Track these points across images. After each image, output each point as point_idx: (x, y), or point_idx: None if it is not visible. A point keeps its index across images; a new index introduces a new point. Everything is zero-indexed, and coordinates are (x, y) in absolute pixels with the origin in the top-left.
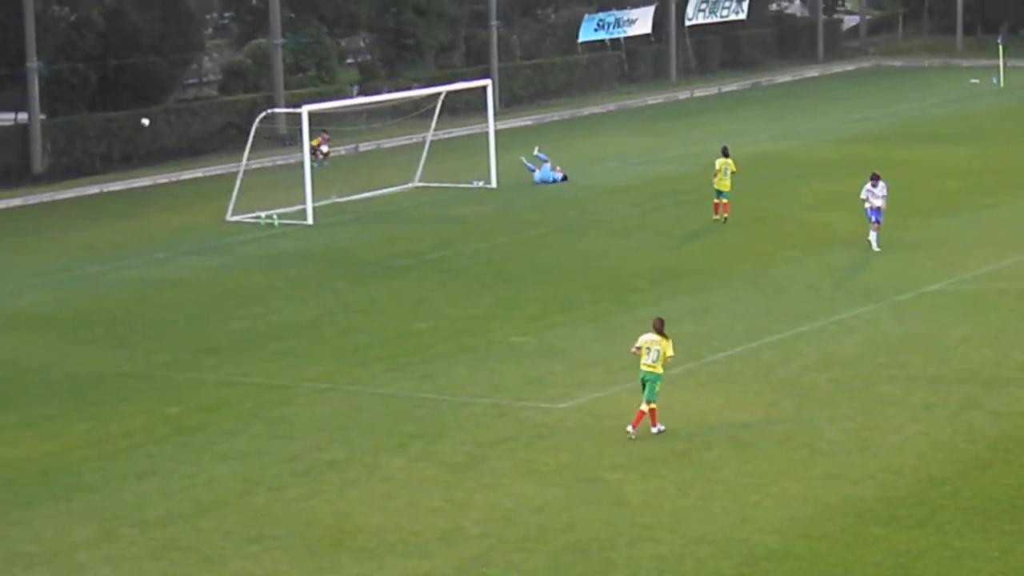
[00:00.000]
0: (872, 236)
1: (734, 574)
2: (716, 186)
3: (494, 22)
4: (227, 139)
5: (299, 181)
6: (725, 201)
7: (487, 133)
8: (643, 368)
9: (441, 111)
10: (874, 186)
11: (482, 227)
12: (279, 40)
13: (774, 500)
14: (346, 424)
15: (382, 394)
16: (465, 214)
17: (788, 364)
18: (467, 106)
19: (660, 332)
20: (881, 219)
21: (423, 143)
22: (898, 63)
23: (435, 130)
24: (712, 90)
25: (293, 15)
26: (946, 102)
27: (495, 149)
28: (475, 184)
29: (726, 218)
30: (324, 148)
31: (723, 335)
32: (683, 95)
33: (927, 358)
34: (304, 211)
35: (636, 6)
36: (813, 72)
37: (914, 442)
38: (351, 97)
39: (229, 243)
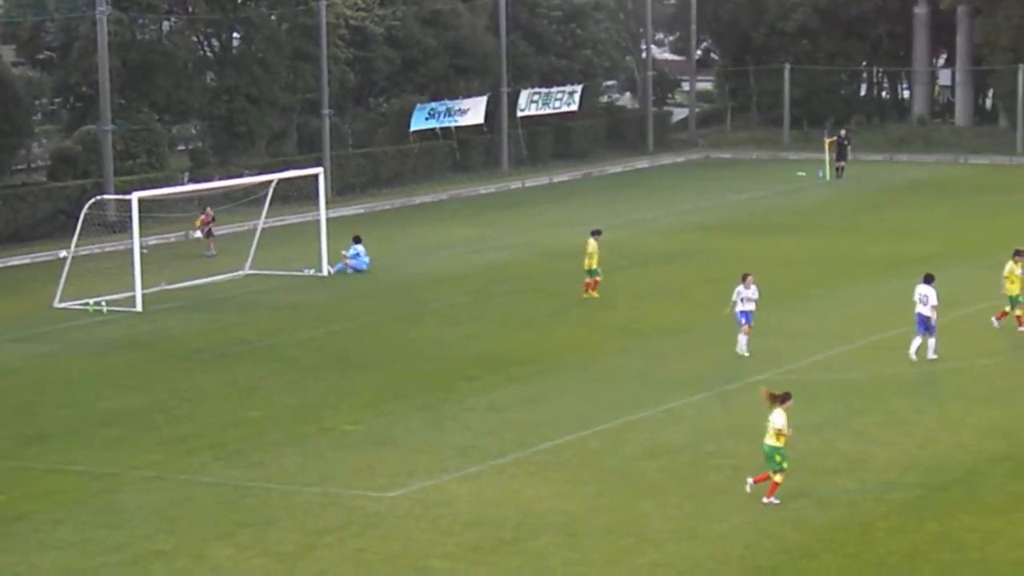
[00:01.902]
0: (742, 340)
1: None
2: (587, 266)
3: (326, 111)
4: (56, 225)
5: (128, 268)
6: (597, 279)
7: (319, 221)
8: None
9: (273, 199)
10: (746, 287)
11: (314, 315)
12: (109, 126)
13: None
14: (174, 513)
15: (211, 483)
16: (296, 301)
17: (616, 453)
18: (299, 194)
19: (774, 403)
20: (752, 322)
21: (254, 230)
22: (727, 155)
23: (267, 218)
24: (543, 180)
25: (124, 101)
26: (773, 194)
27: (326, 237)
28: (306, 272)
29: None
30: (204, 230)
31: (552, 424)
32: (515, 185)
33: (754, 447)
34: (133, 298)
35: (469, 95)
36: (643, 163)
37: (741, 531)
38: (182, 184)
39: (57, 330)
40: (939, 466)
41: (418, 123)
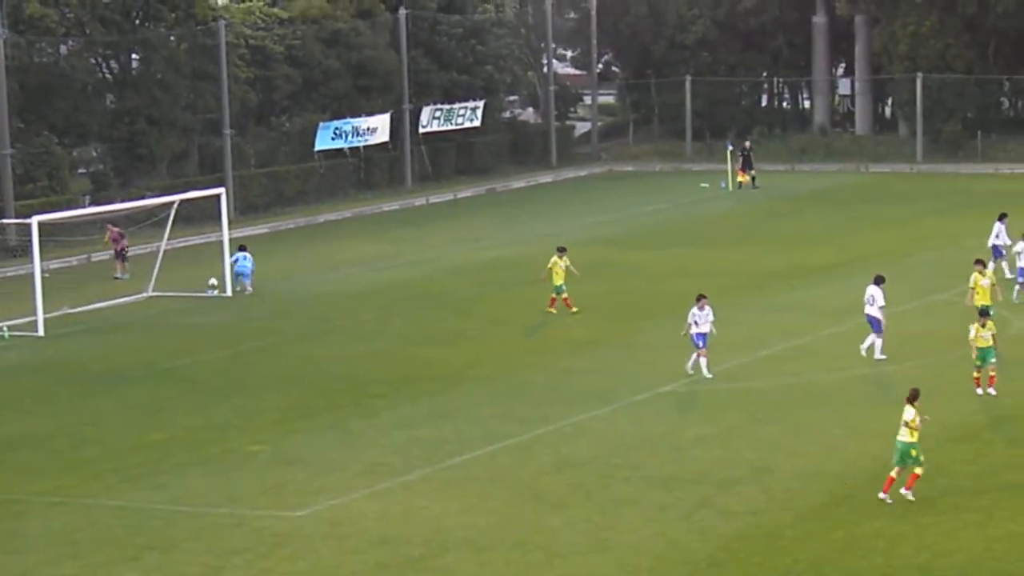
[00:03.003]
0: (702, 363)
1: None
2: (554, 282)
3: (227, 131)
4: None
5: (30, 292)
6: (565, 296)
7: (221, 241)
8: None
9: (176, 220)
10: (700, 309)
11: (218, 336)
12: (8, 150)
13: None
14: (78, 538)
15: (115, 506)
16: (200, 323)
17: (524, 467)
18: (201, 214)
19: (910, 402)
20: (707, 344)
21: (156, 252)
22: (630, 168)
23: (169, 239)
24: (447, 196)
25: (22, 125)
26: (677, 206)
27: (229, 257)
28: (210, 287)
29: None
30: (116, 248)
31: (460, 439)
32: (419, 201)
33: (661, 458)
34: (35, 322)
35: (371, 114)
36: (547, 178)
37: (650, 542)
38: (83, 207)
39: None
40: (845, 473)
41: (323, 142)
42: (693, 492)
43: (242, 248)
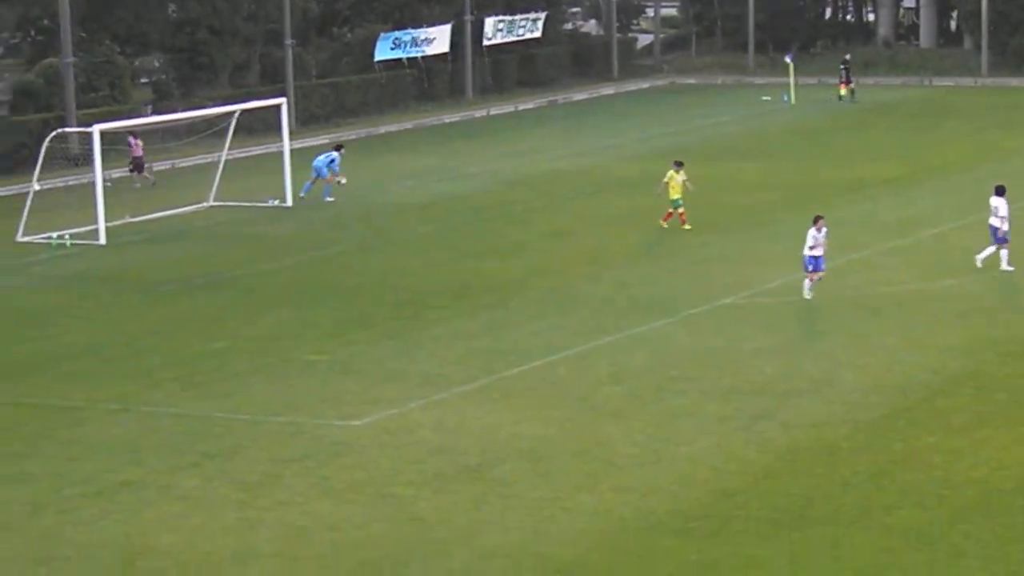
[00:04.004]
0: (806, 284)
1: None
2: (670, 196)
3: (289, 41)
4: (18, 159)
5: (91, 201)
6: (681, 211)
7: (282, 152)
8: None
9: (236, 130)
10: (819, 231)
11: (278, 246)
12: (70, 59)
13: (567, 513)
14: (140, 445)
15: (176, 414)
16: (261, 233)
17: (582, 378)
18: (262, 125)
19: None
20: (819, 268)
21: (218, 162)
22: (692, 80)
23: (230, 149)
24: (508, 108)
25: (85, 34)
26: (738, 119)
27: (290, 168)
28: (270, 203)
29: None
30: (137, 152)
31: (518, 350)
32: (479, 113)
33: (720, 371)
34: (97, 231)
35: (432, 24)
36: (608, 90)
37: (707, 453)
38: (145, 116)
39: (20, 264)
40: (904, 386)
41: (383, 53)
42: (751, 404)
43: (338, 148)
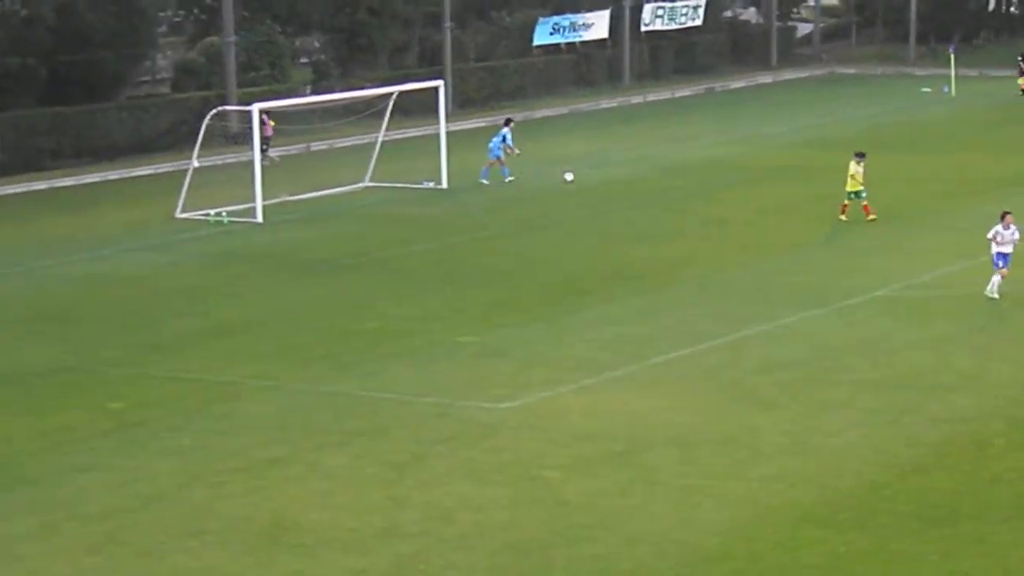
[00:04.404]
0: (995, 280)
1: (672, 575)
2: (849, 188)
3: (448, 24)
4: (178, 137)
5: (249, 179)
6: (864, 203)
7: (439, 134)
8: None
9: (393, 111)
10: (1006, 228)
11: (431, 228)
12: (232, 38)
13: (714, 501)
14: (289, 422)
15: (325, 392)
16: (414, 214)
17: (732, 367)
18: (420, 107)
19: None
20: (1009, 265)
21: (374, 143)
22: (851, 71)
23: (387, 130)
24: (665, 95)
25: (247, 13)
26: (898, 110)
27: (446, 150)
28: (425, 185)
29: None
30: (268, 133)
31: (668, 337)
32: (636, 99)
33: (871, 363)
34: (253, 209)
35: (591, 9)
36: (766, 78)
37: (855, 446)
38: (304, 96)
39: (178, 240)
40: None
41: (542, 38)
42: (902, 397)
43: (508, 122)
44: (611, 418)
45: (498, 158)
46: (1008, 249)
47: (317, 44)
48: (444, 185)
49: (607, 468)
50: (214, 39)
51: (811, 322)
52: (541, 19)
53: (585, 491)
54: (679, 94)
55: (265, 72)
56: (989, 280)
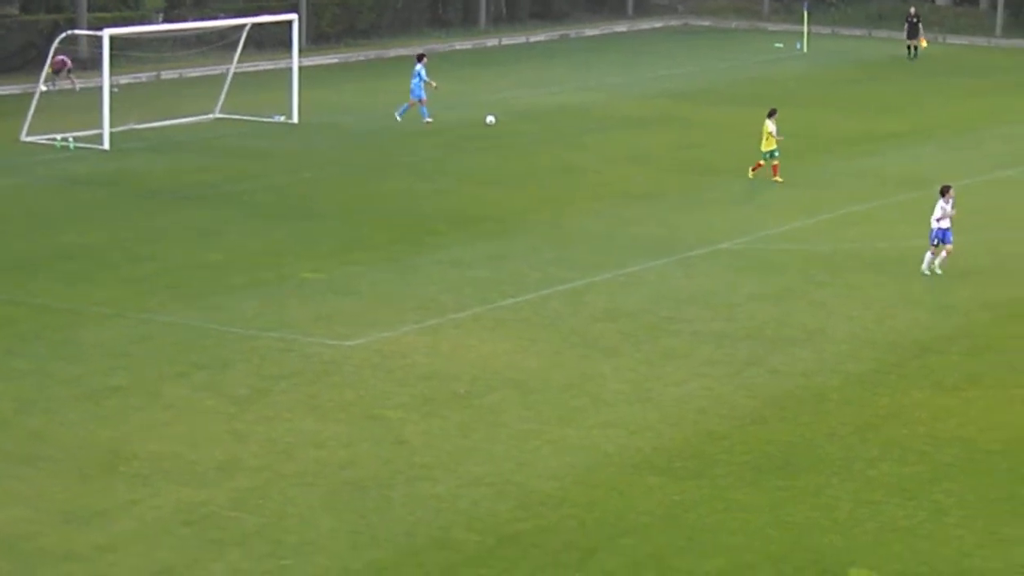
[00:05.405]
0: (937, 260)
1: (509, 517)
2: (764, 148)
3: None
4: (26, 59)
5: (97, 106)
6: (775, 162)
7: (291, 68)
8: None
9: (246, 44)
10: (947, 202)
11: (282, 162)
12: None
13: (553, 446)
14: (130, 351)
15: (169, 323)
16: (265, 148)
17: (576, 313)
18: (273, 40)
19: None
20: (950, 241)
21: (226, 74)
22: (706, 23)
23: (239, 63)
24: (520, 39)
25: None
26: (750, 64)
27: (298, 85)
28: (276, 119)
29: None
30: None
31: (515, 282)
32: (491, 42)
33: (714, 314)
34: (101, 136)
35: None
36: (622, 27)
37: (695, 396)
38: (156, 23)
39: (23, 163)
40: (895, 342)
41: None
42: (743, 349)
43: (420, 58)
44: (454, 360)
45: (420, 99)
46: (947, 224)
47: None
48: (295, 120)
49: (449, 409)
50: None
51: (656, 272)
52: None
53: (426, 431)
54: (534, 39)
55: None
56: (925, 259)
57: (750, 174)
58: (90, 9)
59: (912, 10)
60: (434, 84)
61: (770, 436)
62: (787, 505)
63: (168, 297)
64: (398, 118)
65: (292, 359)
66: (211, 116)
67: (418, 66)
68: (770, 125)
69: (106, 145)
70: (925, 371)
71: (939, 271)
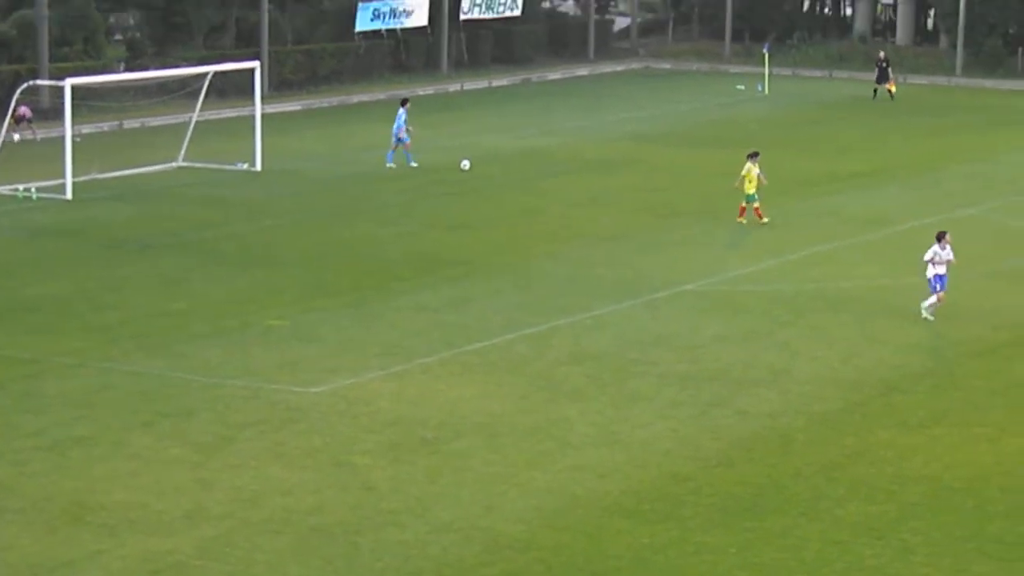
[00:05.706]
0: (929, 303)
1: (477, 562)
2: (746, 191)
3: (266, 5)
4: None
5: (59, 155)
6: (756, 205)
7: (254, 116)
8: None
9: (209, 92)
10: (943, 248)
11: (245, 210)
12: (45, 12)
13: (520, 490)
14: (94, 401)
15: (132, 372)
16: (228, 196)
17: (542, 357)
18: (235, 88)
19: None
20: (945, 288)
21: (188, 123)
22: (667, 66)
23: (202, 111)
24: (482, 84)
25: None
26: (712, 106)
27: (261, 132)
28: (239, 167)
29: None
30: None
31: (480, 326)
32: (453, 87)
33: (678, 356)
34: (63, 185)
35: None
36: (583, 71)
37: (661, 438)
38: (117, 73)
39: None
40: (860, 381)
41: (363, 24)
42: (708, 391)
43: (404, 103)
44: (421, 405)
45: (403, 142)
46: (943, 270)
47: (132, 21)
48: (258, 167)
49: (416, 455)
50: (27, 12)
51: (621, 314)
52: (361, 4)
53: (393, 477)
54: (496, 83)
55: (79, 47)
56: (928, 301)
57: (740, 220)
58: (52, 59)
59: (882, 54)
60: (411, 130)
61: (737, 477)
62: (755, 546)
63: (132, 346)
64: (390, 165)
65: (257, 406)
66: (174, 164)
67: (401, 110)
68: (754, 168)
69: (69, 195)
70: (890, 410)
71: (930, 317)
